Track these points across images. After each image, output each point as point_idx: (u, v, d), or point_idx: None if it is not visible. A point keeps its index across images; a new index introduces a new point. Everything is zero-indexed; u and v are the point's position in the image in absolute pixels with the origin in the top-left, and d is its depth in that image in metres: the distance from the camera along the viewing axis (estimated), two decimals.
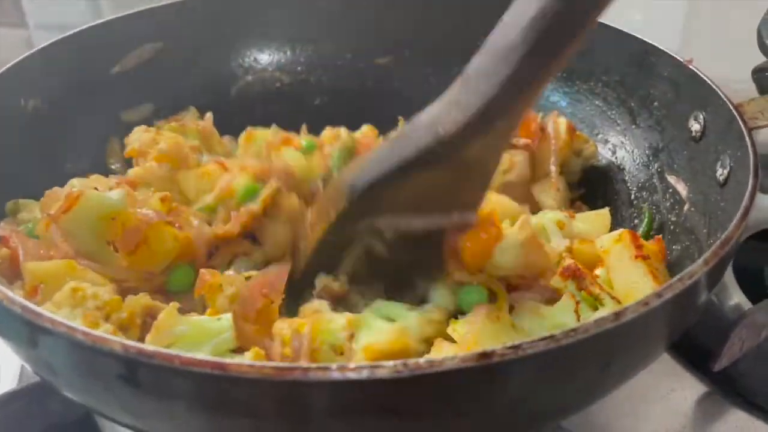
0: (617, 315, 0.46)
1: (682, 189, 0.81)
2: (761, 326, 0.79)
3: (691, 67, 0.81)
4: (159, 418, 0.48)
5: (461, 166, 0.61)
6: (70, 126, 0.89)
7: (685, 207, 0.79)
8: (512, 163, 0.86)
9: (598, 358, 0.48)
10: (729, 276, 0.94)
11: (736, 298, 0.90)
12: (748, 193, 0.60)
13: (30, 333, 0.48)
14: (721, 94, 0.75)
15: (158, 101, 0.98)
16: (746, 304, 0.87)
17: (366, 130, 0.95)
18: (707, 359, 0.78)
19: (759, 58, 0.93)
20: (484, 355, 0.43)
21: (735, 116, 0.71)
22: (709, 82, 0.78)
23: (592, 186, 0.94)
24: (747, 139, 0.68)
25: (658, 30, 1.28)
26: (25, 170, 0.82)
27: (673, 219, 0.81)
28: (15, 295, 0.48)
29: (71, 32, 0.89)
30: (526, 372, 0.45)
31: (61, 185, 0.80)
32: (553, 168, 0.88)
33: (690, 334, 0.82)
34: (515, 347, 0.44)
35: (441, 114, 0.60)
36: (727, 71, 0.80)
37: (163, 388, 0.44)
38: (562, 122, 0.91)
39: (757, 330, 0.78)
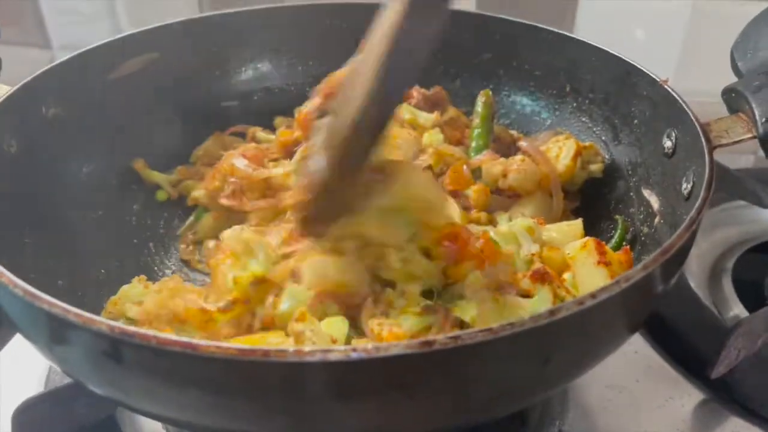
0: (552, 312, 0.51)
1: (654, 202, 0.85)
2: (758, 334, 0.81)
3: (666, 86, 0.85)
4: (141, 395, 0.54)
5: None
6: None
7: (656, 219, 0.83)
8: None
9: (537, 352, 0.53)
10: (728, 287, 0.98)
11: (735, 309, 0.94)
12: (696, 206, 0.64)
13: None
14: (690, 113, 0.79)
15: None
16: (744, 315, 0.90)
17: None
18: (705, 367, 0.81)
19: None
20: (426, 343, 0.48)
21: (700, 134, 0.75)
22: (681, 101, 0.82)
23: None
24: (707, 156, 0.72)
25: (658, 47, 1.32)
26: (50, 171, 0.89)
27: (645, 231, 0.84)
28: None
29: (85, 48, 0.96)
30: (466, 360, 0.50)
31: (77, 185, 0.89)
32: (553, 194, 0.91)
33: (689, 343, 0.87)
34: (455, 337, 0.48)
35: None
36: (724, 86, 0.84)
37: (144, 365, 0.50)
38: (570, 147, 0.93)
39: (754, 338, 0.81)
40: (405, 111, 1.02)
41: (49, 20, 1.51)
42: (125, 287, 0.79)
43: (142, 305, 0.74)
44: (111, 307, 0.78)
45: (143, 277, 0.81)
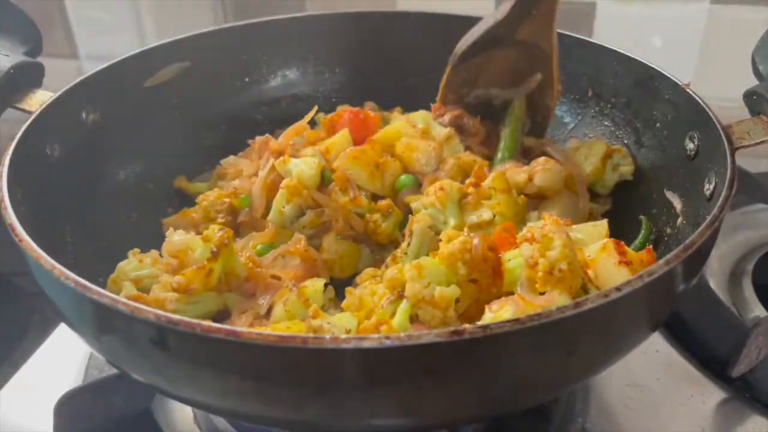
0: (578, 304, 0.53)
1: (677, 203, 0.86)
2: None
3: (687, 90, 0.87)
4: (185, 382, 0.57)
5: (520, 46, 0.93)
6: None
7: (679, 220, 0.84)
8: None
9: (562, 343, 0.55)
10: (748, 289, 0.98)
11: (756, 310, 0.94)
12: (718, 204, 0.66)
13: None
14: (712, 115, 0.81)
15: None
16: (765, 316, 0.91)
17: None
18: (726, 366, 0.83)
19: None
20: (456, 332, 0.50)
21: (722, 136, 0.77)
22: (703, 104, 0.83)
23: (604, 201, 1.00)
24: (728, 156, 0.73)
25: (676, 53, 1.33)
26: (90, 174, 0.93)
27: (668, 231, 0.86)
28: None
29: (122, 57, 1.00)
30: (494, 349, 0.52)
31: (114, 188, 0.93)
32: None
33: (709, 343, 0.88)
34: (484, 327, 0.51)
35: (500, 6, 0.94)
36: (742, 91, 0.85)
37: (188, 352, 0.53)
38: (598, 149, 0.95)
39: None
40: (419, 119, 1.04)
41: (76, 30, 1.56)
42: (121, 263, 0.82)
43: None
44: (111, 284, 0.81)
45: (137, 250, 0.84)
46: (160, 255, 0.84)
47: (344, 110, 1.07)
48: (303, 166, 0.92)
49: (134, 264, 0.82)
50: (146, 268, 0.82)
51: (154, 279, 0.80)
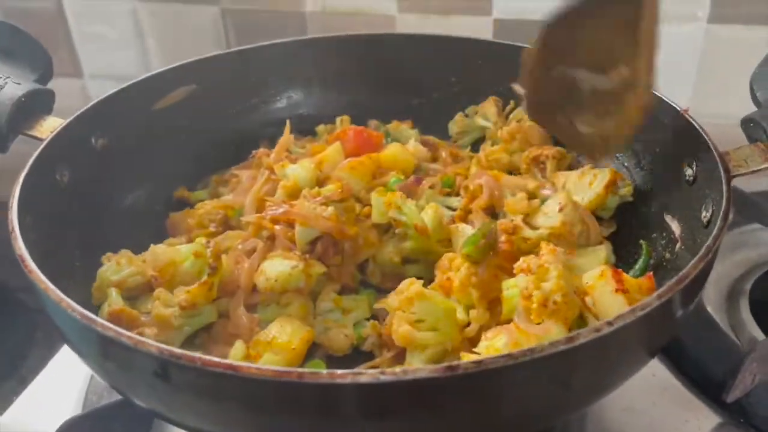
0: (570, 339, 0.54)
1: (675, 228, 0.87)
2: None
3: (686, 116, 0.88)
4: (186, 410, 0.58)
5: (615, 19, 0.77)
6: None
7: (677, 245, 0.85)
8: None
9: (556, 377, 0.56)
10: (745, 309, 0.98)
11: (753, 331, 0.94)
12: (713, 235, 0.66)
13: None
14: (709, 142, 0.82)
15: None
16: (761, 338, 0.91)
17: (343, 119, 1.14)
18: (721, 391, 0.83)
19: None
20: (451, 367, 0.51)
21: (718, 164, 0.78)
22: (701, 131, 0.84)
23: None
24: (724, 185, 0.74)
25: (672, 72, 1.33)
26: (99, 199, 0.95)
27: (667, 257, 0.87)
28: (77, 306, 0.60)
29: (130, 82, 1.02)
30: (488, 384, 0.53)
31: (124, 211, 0.95)
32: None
33: (705, 366, 0.88)
34: (477, 362, 0.52)
35: None
36: (739, 110, 0.86)
37: (189, 383, 0.55)
38: (604, 175, 0.95)
39: None
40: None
41: (80, 49, 1.58)
42: (101, 270, 0.84)
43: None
44: (96, 293, 0.83)
45: (109, 254, 0.86)
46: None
47: (349, 128, 1.10)
48: (299, 169, 0.97)
49: (113, 268, 0.85)
50: (125, 269, 0.84)
51: (135, 277, 0.83)
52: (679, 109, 0.90)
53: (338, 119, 1.18)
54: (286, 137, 1.06)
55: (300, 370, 0.51)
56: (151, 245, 0.87)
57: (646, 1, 0.77)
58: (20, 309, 1.14)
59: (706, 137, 0.82)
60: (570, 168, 1.05)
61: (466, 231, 0.89)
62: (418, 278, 0.87)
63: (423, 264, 0.93)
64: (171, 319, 0.78)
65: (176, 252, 0.85)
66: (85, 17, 1.54)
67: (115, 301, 0.80)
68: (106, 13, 1.52)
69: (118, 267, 0.84)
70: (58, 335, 0.70)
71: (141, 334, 0.74)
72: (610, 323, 0.55)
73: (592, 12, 0.78)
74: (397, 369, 0.51)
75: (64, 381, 0.93)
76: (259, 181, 1.00)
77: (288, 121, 1.09)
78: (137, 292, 0.85)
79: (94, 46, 1.56)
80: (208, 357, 0.52)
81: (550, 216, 0.86)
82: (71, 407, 0.89)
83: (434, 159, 1.13)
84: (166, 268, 0.83)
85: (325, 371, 0.51)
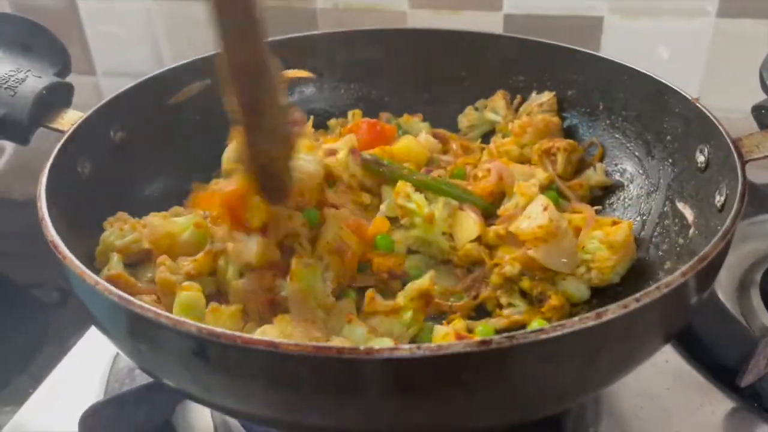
0: (599, 314, 0.55)
1: (689, 214, 0.88)
2: None
3: (697, 104, 0.90)
4: (221, 390, 0.59)
5: None
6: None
7: (691, 231, 0.87)
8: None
9: (583, 352, 0.57)
10: (756, 298, 1.00)
11: (764, 319, 0.96)
12: (730, 217, 0.68)
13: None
14: (721, 129, 0.83)
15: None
16: None
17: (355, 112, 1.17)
18: (734, 376, 0.84)
19: None
20: (484, 342, 0.53)
21: (732, 149, 0.79)
22: (713, 118, 0.86)
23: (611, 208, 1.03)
24: (739, 169, 0.76)
25: (682, 66, 1.36)
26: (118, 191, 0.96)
27: (681, 242, 0.88)
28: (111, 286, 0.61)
29: (146, 76, 1.03)
30: (520, 358, 0.55)
31: (142, 204, 0.96)
32: None
33: (718, 352, 0.90)
34: (510, 337, 0.53)
35: None
36: (748, 103, 0.88)
37: (228, 363, 0.56)
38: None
39: None
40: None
41: (93, 47, 1.59)
42: (104, 235, 0.87)
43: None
44: (100, 257, 0.86)
45: (111, 219, 0.89)
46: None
47: (362, 121, 1.11)
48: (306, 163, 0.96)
49: (116, 233, 0.87)
50: (128, 234, 0.87)
51: (138, 243, 0.86)
52: (689, 97, 0.91)
53: (350, 113, 1.19)
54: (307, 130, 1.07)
55: (338, 345, 0.52)
56: (151, 214, 0.89)
57: None
58: (32, 306, 1.15)
59: (718, 124, 0.84)
60: (581, 162, 1.07)
61: (469, 216, 0.93)
62: (417, 269, 0.91)
63: (425, 255, 0.96)
64: (176, 286, 0.79)
65: (173, 224, 0.86)
66: (98, 15, 1.55)
67: (115, 266, 0.83)
68: (119, 11, 1.53)
69: (121, 233, 0.86)
70: (71, 329, 0.69)
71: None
72: (637, 299, 0.57)
73: None
74: (432, 344, 0.53)
75: (87, 368, 0.95)
76: None
77: (310, 117, 1.11)
78: (138, 259, 0.88)
79: (107, 43, 1.57)
80: (247, 335, 0.54)
81: (535, 218, 0.87)
82: (94, 394, 0.90)
83: (445, 151, 1.15)
84: (162, 240, 0.85)
85: (362, 347, 0.52)
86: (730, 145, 0.80)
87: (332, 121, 1.20)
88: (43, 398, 0.92)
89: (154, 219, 0.87)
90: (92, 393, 0.91)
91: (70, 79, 1.00)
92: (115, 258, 0.84)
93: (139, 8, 1.51)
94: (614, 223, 0.90)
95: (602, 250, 0.87)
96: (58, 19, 1.56)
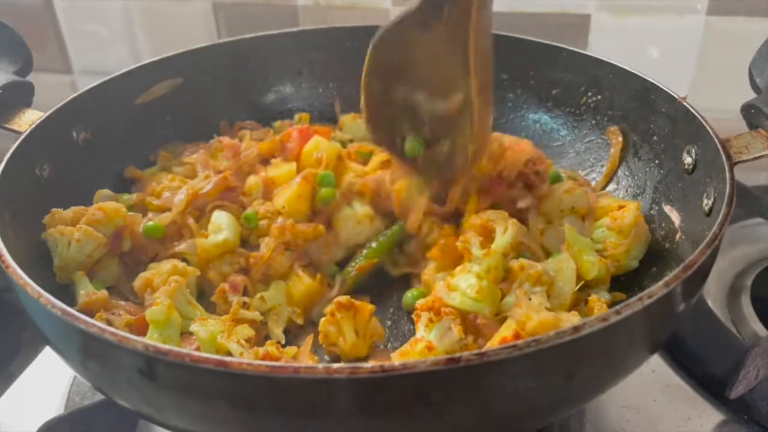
0: (576, 328, 0.51)
1: (675, 218, 0.85)
2: None
3: (684, 103, 0.86)
4: (173, 411, 0.55)
5: (442, 35, 0.77)
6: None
7: (677, 235, 0.83)
8: None
9: (561, 368, 0.53)
10: (746, 305, 0.97)
11: (754, 326, 0.93)
12: (718, 222, 0.65)
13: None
14: (709, 129, 0.80)
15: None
16: (763, 333, 0.89)
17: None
18: (724, 387, 0.81)
19: None
20: (453, 359, 0.49)
21: (720, 150, 0.76)
22: (700, 118, 0.82)
23: None
24: (727, 172, 0.72)
25: (671, 65, 1.33)
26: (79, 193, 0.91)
27: (667, 246, 0.85)
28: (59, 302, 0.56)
29: (113, 75, 0.99)
30: (491, 376, 0.51)
31: None
32: None
33: (707, 362, 0.86)
34: (480, 354, 0.49)
35: None
36: (739, 103, 0.85)
37: (177, 381, 0.52)
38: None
39: None
40: None
41: (70, 45, 1.55)
42: (59, 249, 0.81)
43: None
44: (60, 272, 0.81)
45: (47, 217, 0.83)
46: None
47: (293, 128, 1.04)
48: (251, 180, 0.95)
49: (75, 246, 0.81)
50: (86, 245, 0.82)
51: (98, 249, 0.83)
52: (676, 96, 0.88)
53: (297, 116, 1.15)
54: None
55: (296, 365, 0.48)
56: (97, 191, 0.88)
57: (474, 21, 0.76)
58: (7, 310, 1.11)
59: (705, 124, 0.81)
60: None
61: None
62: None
63: None
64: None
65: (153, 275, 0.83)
66: (75, 13, 1.51)
67: (86, 286, 0.79)
68: (97, 9, 1.49)
69: (78, 244, 0.81)
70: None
71: (115, 315, 0.76)
72: (617, 312, 0.53)
73: (418, 29, 0.77)
74: (396, 363, 0.49)
75: (48, 381, 0.90)
76: (199, 177, 0.96)
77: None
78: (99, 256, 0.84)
79: (84, 42, 1.53)
80: (196, 353, 0.49)
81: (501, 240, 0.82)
82: (54, 407, 0.86)
83: None
84: (143, 287, 0.82)
85: (321, 366, 0.48)
86: (718, 146, 0.76)
87: (277, 123, 1.14)
88: (2, 409, 0.88)
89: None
90: (53, 405, 0.87)
91: (47, 77, 0.97)
92: (85, 279, 0.80)
93: (117, 6, 1.47)
94: (620, 207, 0.86)
95: (612, 236, 0.83)
96: (33, 17, 1.52)
